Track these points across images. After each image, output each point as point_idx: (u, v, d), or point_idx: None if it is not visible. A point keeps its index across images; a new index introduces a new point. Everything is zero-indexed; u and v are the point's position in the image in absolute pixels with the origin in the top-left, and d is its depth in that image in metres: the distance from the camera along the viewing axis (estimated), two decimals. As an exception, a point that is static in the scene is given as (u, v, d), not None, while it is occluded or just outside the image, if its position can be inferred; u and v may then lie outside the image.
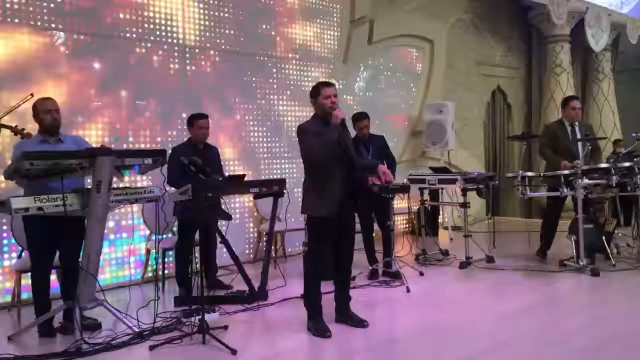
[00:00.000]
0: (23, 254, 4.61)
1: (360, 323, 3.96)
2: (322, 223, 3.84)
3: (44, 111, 3.93)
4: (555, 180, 5.54)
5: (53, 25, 5.16)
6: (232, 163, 6.35)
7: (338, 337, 3.81)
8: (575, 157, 5.67)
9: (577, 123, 5.97)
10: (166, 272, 5.48)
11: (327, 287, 4.11)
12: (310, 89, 3.98)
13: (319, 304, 3.95)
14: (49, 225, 3.79)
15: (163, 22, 5.89)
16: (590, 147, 5.84)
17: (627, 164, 5.51)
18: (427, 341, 3.74)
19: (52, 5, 5.15)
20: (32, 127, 4.18)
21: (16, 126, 4.17)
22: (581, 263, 5.33)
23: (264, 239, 5.96)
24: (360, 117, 5.54)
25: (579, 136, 5.87)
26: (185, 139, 5.18)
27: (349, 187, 3.86)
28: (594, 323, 4.02)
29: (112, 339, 3.77)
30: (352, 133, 5.52)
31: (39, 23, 5.09)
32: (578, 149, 5.80)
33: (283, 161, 6.90)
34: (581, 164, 5.37)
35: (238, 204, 6.41)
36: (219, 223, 5.10)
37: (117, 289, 5.18)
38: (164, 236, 5.45)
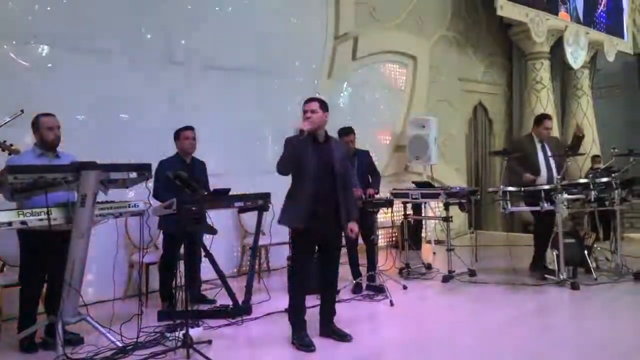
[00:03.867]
0: (5, 268, 4.57)
1: (344, 337, 3.98)
2: (301, 234, 3.92)
3: (47, 128, 3.95)
4: (533, 195, 5.61)
5: (40, 40, 5.15)
6: (217, 177, 6.34)
7: (322, 351, 3.82)
8: (539, 173, 5.81)
9: (544, 140, 6.09)
10: (150, 286, 5.44)
11: (312, 301, 4.13)
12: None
13: (303, 318, 3.96)
14: (43, 240, 3.77)
15: (148, 36, 5.91)
16: (569, 163, 5.95)
17: (605, 180, 5.63)
18: (411, 354, 3.77)
19: (31, 18, 5.13)
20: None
21: (5, 142, 4.15)
22: (561, 277, 5.42)
23: (248, 253, 5.95)
24: (346, 132, 5.60)
25: (548, 152, 5.98)
26: (172, 153, 5.19)
27: (325, 201, 3.88)
28: (575, 336, 4.09)
29: (94, 354, 3.73)
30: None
31: (26, 37, 5.08)
32: (549, 164, 5.90)
33: (268, 175, 6.89)
34: (559, 178, 5.48)
35: (223, 217, 6.39)
36: (203, 237, 5.09)
37: (100, 303, 5.13)
38: (148, 250, 5.42)
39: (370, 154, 5.83)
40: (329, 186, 3.89)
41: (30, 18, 5.14)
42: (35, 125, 3.99)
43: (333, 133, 5.76)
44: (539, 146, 6.00)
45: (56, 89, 5.21)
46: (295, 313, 3.97)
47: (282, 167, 3.88)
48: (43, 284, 4.07)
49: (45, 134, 3.96)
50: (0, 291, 4.44)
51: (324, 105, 3.98)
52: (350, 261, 5.54)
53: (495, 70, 11.20)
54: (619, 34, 12.94)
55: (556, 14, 11.07)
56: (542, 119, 6.18)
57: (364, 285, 5.50)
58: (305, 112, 3.93)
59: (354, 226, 4.02)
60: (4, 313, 4.47)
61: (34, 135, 4.02)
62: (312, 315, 4.08)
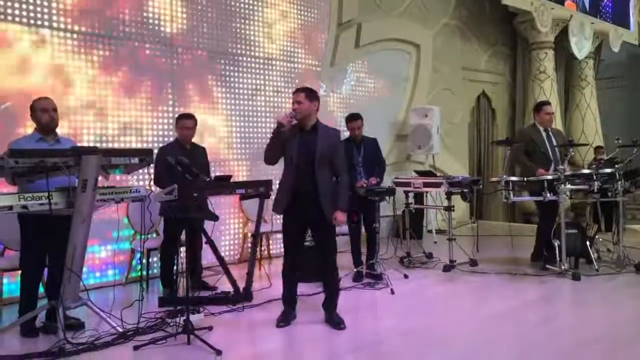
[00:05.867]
0: (5, 252, 4.57)
1: (337, 325, 3.98)
2: (286, 222, 4.07)
3: (41, 110, 3.95)
4: (537, 185, 5.60)
5: (44, 23, 5.12)
6: (219, 163, 6.34)
7: (323, 338, 3.83)
8: (551, 162, 5.77)
9: (549, 128, 6.06)
10: (150, 272, 5.45)
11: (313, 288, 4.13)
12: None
13: (287, 296, 4.16)
14: (43, 225, 3.77)
15: (151, 22, 5.87)
16: (573, 153, 5.91)
17: (608, 170, 5.60)
18: (411, 343, 3.76)
19: (43, 2, 5.12)
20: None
21: None
22: (562, 267, 5.41)
23: (250, 240, 5.95)
24: (353, 118, 5.55)
25: (554, 141, 5.95)
26: (173, 139, 5.18)
27: (305, 189, 3.91)
28: (575, 326, 4.08)
29: (95, 339, 3.74)
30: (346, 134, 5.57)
31: (31, 20, 5.06)
32: (556, 153, 5.89)
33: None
34: (564, 168, 5.45)
35: (224, 204, 6.39)
36: (204, 223, 5.08)
37: (101, 288, 5.13)
38: (149, 236, 5.42)
39: (377, 142, 5.76)
40: (310, 174, 3.92)
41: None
42: (32, 108, 3.99)
43: (333, 122, 5.78)
44: (544, 135, 5.96)
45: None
46: (283, 292, 4.16)
47: (265, 157, 4.05)
48: (43, 268, 4.08)
49: (40, 115, 3.95)
50: (1, 275, 4.44)
51: (310, 95, 3.97)
52: (353, 249, 5.54)
53: (498, 60, 11.14)
54: (625, 24, 12.84)
55: (562, 3, 10.98)
56: (540, 105, 6.16)
57: (364, 274, 5.49)
58: (292, 103, 3.98)
59: (338, 214, 3.95)
60: (4, 297, 4.47)
61: (32, 119, 4.02)
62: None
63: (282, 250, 4.66)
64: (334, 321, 4.01)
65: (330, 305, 4.09)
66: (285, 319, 4.09)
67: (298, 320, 4.15)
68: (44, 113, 3.95)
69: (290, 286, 4.16)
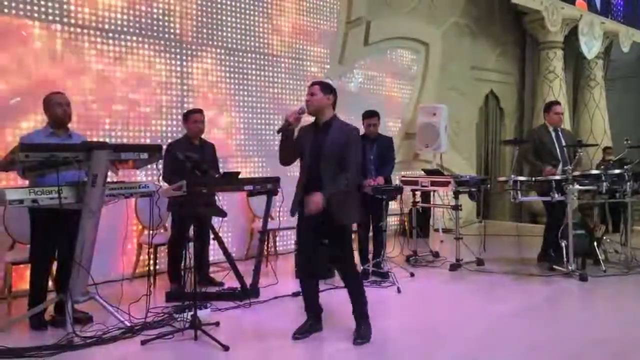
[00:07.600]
0: (15, 246, 4.60)
1: (356, 339, 3.72)
2: (299, 221, 3.83)
3: (56, 104, 3.99)
4: (545, 185, 5.58)
5: (50, 18, 5.15)
6: (227, 160, 6.35)
7: (330, 335, 3.83)
8: (559, 161, 5.76)
9: (559, 128, 6.04)
10: (158, 267, 5.47)
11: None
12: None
13: (306, 302, 3.88)
14: (53, 219, 3.80)
15: (160, 17, 5.89)
16: (581, 154, 5.89)
17: (617, 171, 5.58)
18: (417, 341, 3.77)
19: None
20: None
21: None
22: (570, 268, 5.39)
23: (256, 236, 5.96)
24: (369, 115, 5.57)
25: (563, 141, 5.94)
26: (182, 135, 5.21)
27: (315, 186, 3.62)
28: (581, 327, 4.07)
29: (103, 332, 3.77)
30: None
31: (35, 15, 5.08)
32: (564, 153, 5.87)
33: (277, 160, 6.88)
34: (572, 168, 5.43)
35: (232, 201, 6.40)
36: (212, 219, 5.10)
37: (109, 283, 5.16)
38: (157, 231, 5.44)
39: (393, 141, 5.75)
40: (317, 173, 3.68)
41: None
42: (46, 103, 4.03)
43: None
44: (553, 135, 5.96)
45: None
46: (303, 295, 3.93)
47: (279, 158, 3.84)
48: (53, 262, 4.11)
49: (55, 109, 3.99)
50: (11, 268, 4.47)
51: (325, 88, 3.75)
52: (359, 247, 5.54)
53: (507, 59, 11.09)
54: (636, 24, 12.75)
55: (572, 2, 10.92)
56: (550, 105, 6.16)
57: (371, 272, 5.49)
58: (307, 95, 3.79)
59: (315, 196, 3.54)
60: (14, 290, 4.51)
61: (45, 114, 4.05)
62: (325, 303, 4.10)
63: (292, 247, 4.65)
64: (359, 334, 3.73)
65: (359, 313, 3.80)
66: (301, 330, 3.80)
67: (304, 318, 4.10)
68: (59, 107, 3.99)
69: (308, 294, 3.87)
